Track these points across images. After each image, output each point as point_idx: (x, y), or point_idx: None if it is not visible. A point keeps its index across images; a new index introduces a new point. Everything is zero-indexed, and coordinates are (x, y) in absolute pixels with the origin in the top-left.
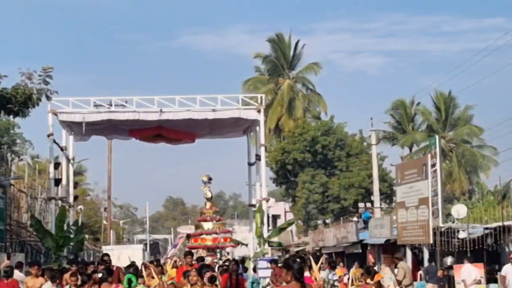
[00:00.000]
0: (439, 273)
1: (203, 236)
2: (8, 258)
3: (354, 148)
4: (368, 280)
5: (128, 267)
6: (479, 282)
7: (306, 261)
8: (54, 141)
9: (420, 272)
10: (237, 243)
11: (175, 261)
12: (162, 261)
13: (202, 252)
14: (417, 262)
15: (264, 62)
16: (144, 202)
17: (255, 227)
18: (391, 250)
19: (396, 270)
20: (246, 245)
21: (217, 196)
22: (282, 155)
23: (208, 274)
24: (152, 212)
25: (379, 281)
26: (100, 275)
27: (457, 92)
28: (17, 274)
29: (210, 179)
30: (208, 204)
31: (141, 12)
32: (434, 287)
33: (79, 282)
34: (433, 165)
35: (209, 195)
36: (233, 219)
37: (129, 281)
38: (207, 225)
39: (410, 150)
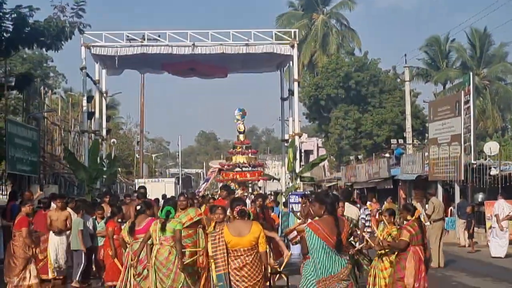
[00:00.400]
0: (468, 209)
1: (235, 169)
2: (41, 190)
3: (387, 84)
4: (409, 217)
5: (167, 199)
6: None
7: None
8: (87, 75)
9: (451, 208)
10: (269, 177)
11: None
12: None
13: (233, 186)
14: (448, 198)
15: None
16: (177, 136)
17: (287, 162)
18: (422, 186)
19: (426, 205)
20: (278, 179)
21: (250, 131)
22: (316, 90)
23: (238, 208)
24: (184, 147)
25: (419, 217)
26: (138, 207)
27: (493, 29)
28: (52, 206)
29: (244, 113)
30: (241, 137)
31: None
32: (465, 222)
33: (107, 214)
34: (467, 102)
35: (242, 128)
36: (266, 154)
37: (168, 213)
38: (239, 159)
39: (444, 87)
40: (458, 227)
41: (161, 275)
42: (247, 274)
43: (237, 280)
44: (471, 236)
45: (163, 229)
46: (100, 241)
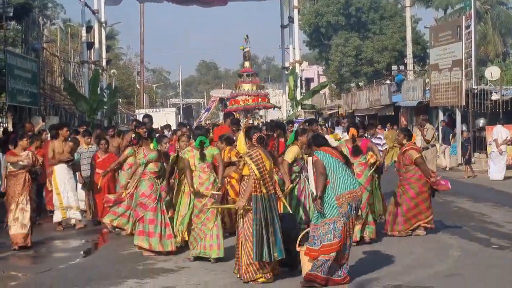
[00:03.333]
0: (464, 134)
1: (242, 97)
2: (43, 121)
3: (388, 10)
4: (404, 141)
5: (198, 127)
6: (510, 143)
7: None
8: (86, 4)
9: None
10: (274, 106)
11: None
12: (194, 124)
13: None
14: (452, 123)
15: None
16: (177, 66)
17: (288, 89)
18: (423, 112)
19: (425, 131)
20: (279, 107)
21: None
22: (316, 18)
23: (256, 135)
24: (185, 76)
25: (414, 142)
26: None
27: None
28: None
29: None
30: (247, 64)
31: None
32: (447, 148)
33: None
34: (468, 27)
35: (247, 54)
36: (266, 83)
37: (201, 143)
38: (246, 86)
39: (445, 12)
40: (440, 152)
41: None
42: None
43: None
44: (468, 162)
45: (202, 157)
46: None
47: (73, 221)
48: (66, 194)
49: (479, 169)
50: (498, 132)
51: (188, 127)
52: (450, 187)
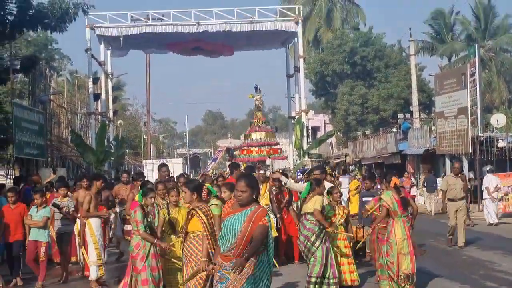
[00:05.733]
0: None
1: (254, 148)
2: (54, 173)
3: (393, 58)
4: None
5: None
6: (498, 190)
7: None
8: (92, 56)
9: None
10: (285, 157)
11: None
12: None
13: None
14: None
15: None
16: (184, 116)
17: (294, 139)
18: (430, 160)
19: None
20: (286, 157)
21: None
22: (321, 66)
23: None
24: (191, 126)
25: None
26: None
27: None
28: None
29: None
30: (259, 114)
31: None
32: (430, 196)
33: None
34: (472, 74)
35: (259, 103)
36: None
37: (209, 191)
38: (257, 135)
39: (449, 60)
40: (425, 199)
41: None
42: None
43: None
44: None
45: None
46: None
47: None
48: (102, 250)
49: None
50: (488, 181)
51: (185, 176)
52: None
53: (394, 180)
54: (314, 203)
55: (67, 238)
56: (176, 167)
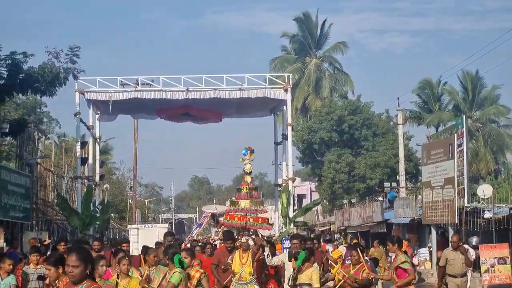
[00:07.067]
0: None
1: (240, 214)
2: (50, 238)
3: (380, 127)
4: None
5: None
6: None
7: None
8: (81, 120)
9: None
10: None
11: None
12: (186, 241)
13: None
14: (445, 242)
15: (291, 42)
16: (170, 181)
17: (280, 207)
18: (416, 229)
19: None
20: (272, 224)
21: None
22: (309, 134)
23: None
24: (177, 191)
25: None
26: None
27: (484, 72)
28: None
29: (252, 151)
30: (248, 178)
31: None
32: None
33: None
34: (460, 145)
35: (249, 168)
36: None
37: (180, 262)
38: (243, 204)
39: (437, 130)
40: None
41: None
42: None
43: None
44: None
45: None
46: None
47: None
48: None
49: None
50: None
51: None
52: None
53: (405, 244)
54: (311, 278)
55: None
56: (161, 233)
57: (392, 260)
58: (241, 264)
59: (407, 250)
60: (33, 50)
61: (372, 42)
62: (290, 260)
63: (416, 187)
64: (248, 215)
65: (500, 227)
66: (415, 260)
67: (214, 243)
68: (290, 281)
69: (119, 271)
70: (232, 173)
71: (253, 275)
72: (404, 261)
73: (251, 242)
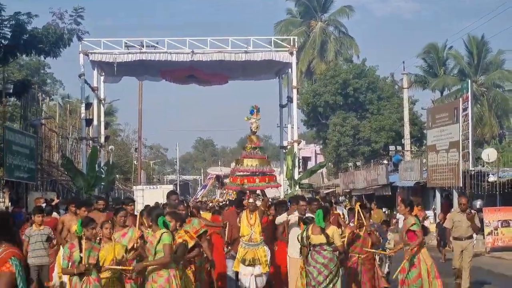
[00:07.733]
0: (439, 216)
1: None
2: (58, 197)
3: (385, 91)
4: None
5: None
6: None
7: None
8: (85, 82)
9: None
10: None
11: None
12: (190, 202)
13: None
14: (449, 205)
15: (296, 5)
16: (174, 143)
17: (286, 169)
18: (420, 192)
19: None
20: (277, 186)
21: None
22: (314, 97)
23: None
24: (182, 153)
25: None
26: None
27: (490, 36)
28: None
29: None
30: (254, 138)
31: None
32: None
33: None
34: (465, 109)
35: (255, 127)
36: None
37: (164, 224)
38: (249, 162)
39: (441, 94)
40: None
41: None
42: None
43: None
44: (444, 245)
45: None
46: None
47: None
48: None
49: (476, 251)
50: None
51: (185, 204)
52: None
53: (416, 210)
54: (333, 236)
55: (46, 271)
56: (166, 193)
57: (402, 224)
58: (249, 225)
59: (418, 214)
60: (37, 10)
61: (379, 6)
62: (298, 225)
63: (421, 150)
64: (255, 176)
65: (504, 190)
66: (427, 223)
67: (220, 204)
68: (304, 241)
69: (101, 235)
70: (237, 135)
71: (262, 236)
72: (414, 223)
73: (258, 203)
